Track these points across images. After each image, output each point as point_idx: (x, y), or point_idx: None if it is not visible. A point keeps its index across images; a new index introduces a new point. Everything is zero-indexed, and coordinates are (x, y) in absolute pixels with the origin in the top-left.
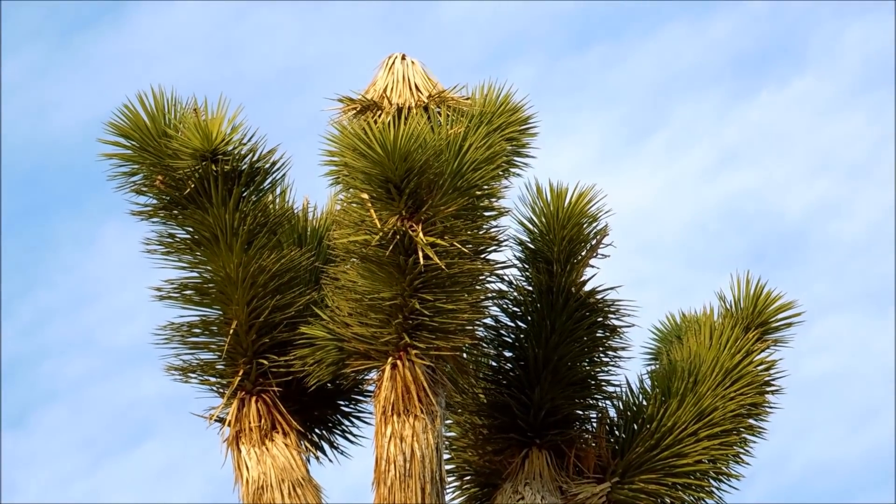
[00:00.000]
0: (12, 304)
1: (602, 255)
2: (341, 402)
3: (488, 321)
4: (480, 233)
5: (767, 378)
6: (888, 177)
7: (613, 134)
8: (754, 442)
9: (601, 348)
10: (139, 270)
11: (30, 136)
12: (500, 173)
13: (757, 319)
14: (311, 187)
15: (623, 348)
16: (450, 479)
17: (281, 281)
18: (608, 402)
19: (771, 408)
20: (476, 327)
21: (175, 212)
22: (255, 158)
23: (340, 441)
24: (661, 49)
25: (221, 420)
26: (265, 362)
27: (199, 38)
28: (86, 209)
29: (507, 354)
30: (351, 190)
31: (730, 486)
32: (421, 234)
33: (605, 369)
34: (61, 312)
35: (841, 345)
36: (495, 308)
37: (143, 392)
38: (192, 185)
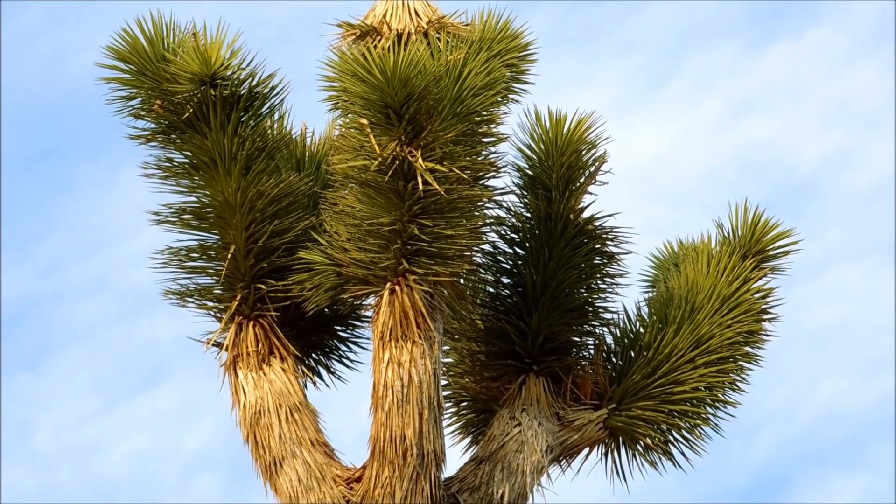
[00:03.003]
0: (29, 247)
1: (601, 182)
2: (339, 328)
3: (486, 247)
4: (479, 159)
5: (764, 306)
6: None
7: (629, 84)
8: (751, 369)
9: (599, 275)
10: (164, 228)
11: (48, 81)
12: (500, 99)
13: (754, 247)
14: (309, 113)
15: (620, 275)
16: (447, 405)
17: (279, 206)
18: (605, 329)
19: (767, 335)
20: (474, 253)
21: (173, 136)
22: (253, 83)
23: (337, 366)
24: None
25: (219, 345)
26: (263, 287)
27: None
28: (104, 154)
29: (505, 281)
30: (350, 115)
31: (726, 412)
32: (420, 160)
33: (603, 296)
34: (78, 256)
35: (852, 294)
36: (493, 234)
37: (157, 335)
38: (191, 110)
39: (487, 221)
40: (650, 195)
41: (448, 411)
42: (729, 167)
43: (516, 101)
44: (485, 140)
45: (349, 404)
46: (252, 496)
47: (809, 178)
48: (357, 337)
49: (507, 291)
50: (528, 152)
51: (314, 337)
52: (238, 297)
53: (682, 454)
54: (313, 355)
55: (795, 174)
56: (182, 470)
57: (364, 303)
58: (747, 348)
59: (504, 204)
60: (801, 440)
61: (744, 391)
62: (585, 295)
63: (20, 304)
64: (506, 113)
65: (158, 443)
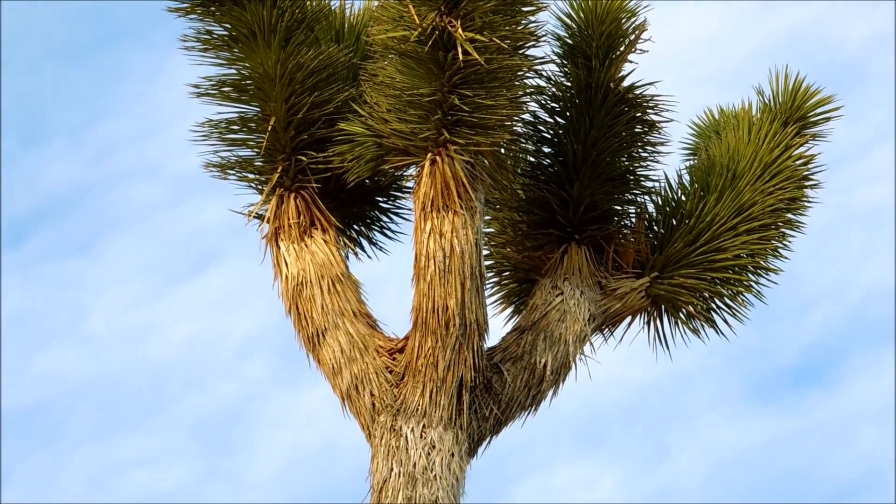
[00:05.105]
0: (80, 134)
1: (641, 49)
2: (380, 199)
3: (527, 117)
4: (519, 28)
5: (806, 172)
6: None
7: None
8: (793, 236)
9: (640, 143)
10: (204, 103)
11: None
12: None
13: (795, 114)
14: None
15: (662, 143)
16: (489, 275)
17: (319, 77)
18: (647, 197)
19: (809, 202)
20: (515, 123)
21: (212, 8)
22: None
23: (379, 237)
24: None
25: (260, 217)
26: (304, 159)
27: None
28: (153, 41)
29: (546, 150)
30: None
31: (768, 280)
32: (460, 30)
33: (644, 164)
34: (128, 141)
35: None
36: (534, 104)
37: (208, 219)
38: None
39: (528, 91)
40: (696, 77)
41: (490, 281)
42: (774, 49)
43: None
44: (524, 9)
45: (398, 284)
46: (303, 378)
47: (855, 60)
48: (398, 208)
49: (548, 161)
50: (568, 21)
51: (355, 208)
52: (279, 169)
53: (725, 322)
54: (355, 226)
55: (841, 55)
56: (234, 353)
57: (405, 173)
58: (789, 215)
59: (544, 73)
60: (850, 319)
61: (786, 258)
62: (626, 163)
63: (72, 190)
64: None
65: (210, 326)
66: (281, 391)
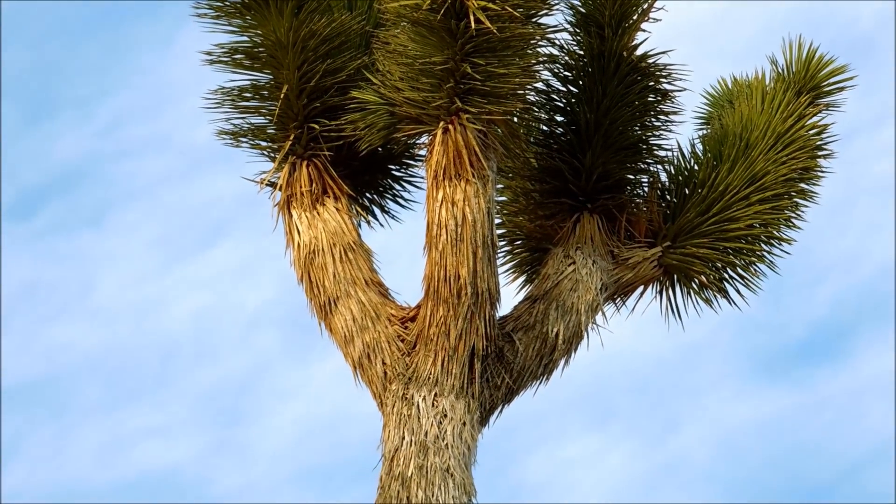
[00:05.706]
0: (91, 106)
1: (654, 18)
2: (392, 167)
3: (539, 86)
4: None
5: (819, 142)
6: None
7: None
8: (806, 206)
9: (652, 113)
10: (215, 73)
11: None
12: None
13: (809, 83)
14: None
15: (674, 113)
16: (501, 244)
17: (331, 45)
18: (659, 166)
19: (822, 172)
20: (527, 92)
21: None
22: None
23: (391, 205)
24: None
25: (272, 184)
26: (316, 127)
27: None
28: (163, 13)
29: (559, 119)
30: None
31: (781, 250)
32: None
33: (657, 134)
34: (139, 114)
35: None
36: (546, 73)
37: (218, 192)
38: None
39: (540, 59)
40: (709, 50)
41: (502, 250)
42: (785, 25)
43: None
44: None
45: (410, 252)
46: (313, 350)
47: (868, 33)
48: (411, 176)
49: (560, 129)
50: None
51: (367, 176)
52: (291, 137)
53: (738, 292)
54: (367, 194)
55: (854, 29)
56: (244, 326)
57: (417, 142)
58: (802, 185)
59: (557, 42)
60: (860, 293)
61: (799, 228)
62: (639, 132)
63: (82, 162)
64: None
65: (220, 299)
66: (292, 363)
